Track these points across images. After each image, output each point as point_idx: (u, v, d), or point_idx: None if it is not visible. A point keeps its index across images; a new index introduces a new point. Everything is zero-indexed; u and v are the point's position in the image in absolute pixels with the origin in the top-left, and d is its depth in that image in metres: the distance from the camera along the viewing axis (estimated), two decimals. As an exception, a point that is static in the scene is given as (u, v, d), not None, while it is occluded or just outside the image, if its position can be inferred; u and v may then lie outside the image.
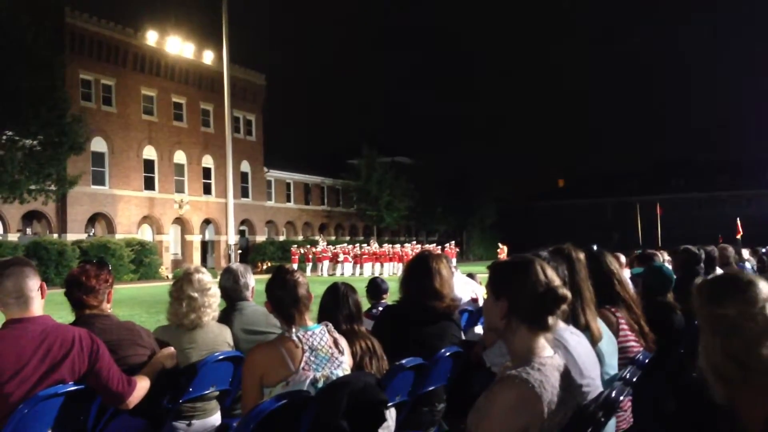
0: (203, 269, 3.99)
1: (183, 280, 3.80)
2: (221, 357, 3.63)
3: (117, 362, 3.04)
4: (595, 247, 3.90)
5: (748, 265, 11.72)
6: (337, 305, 3.67)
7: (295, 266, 3.54)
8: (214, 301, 3.81)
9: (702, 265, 6.03)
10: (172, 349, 3.48)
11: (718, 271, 7.17)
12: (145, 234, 42.04)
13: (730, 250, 9.15)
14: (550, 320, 2.10)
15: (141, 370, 3.24)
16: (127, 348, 3.32)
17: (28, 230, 37.42)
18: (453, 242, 46.68)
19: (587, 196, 79.71)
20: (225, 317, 4.12)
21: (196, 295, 3.74)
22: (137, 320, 3.73)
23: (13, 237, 34.08)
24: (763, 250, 15.27)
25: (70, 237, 35.20)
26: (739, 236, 38.20)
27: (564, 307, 2.10)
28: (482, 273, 5.82)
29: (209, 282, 3.84)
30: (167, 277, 35.53)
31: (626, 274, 7.06)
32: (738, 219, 41.74)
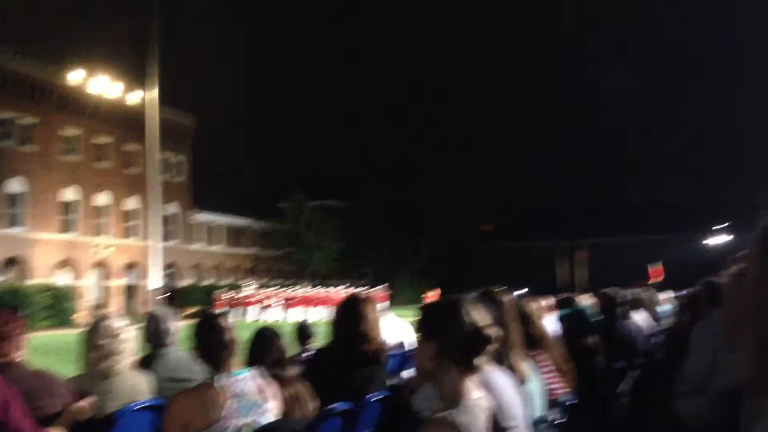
0: (112, 315, 3.85)
1: (92, 329, 3.68)
2: (140, 406, 3.50)
3: (29, 413, 2.88)
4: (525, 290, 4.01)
5: (668, 306, 12.14)
6: (263, 350, 3.63)
7: (220, 311, 3.46)
8: (127, 346, 3.68)
9: (625, 307, 6.22)
10: (92, 398, 3.34)
11: (638, 313, 7.41)
12: (63, 278, 40.37)
13: (652, 292, 9.52)
14: (478, 361, 2.12)
15: (55, 421, 3.09)
16: (40, 398, 3.16)
17: (-64, 274, 35.44)
18: (383, 286, 46.72)
19: (517, 239, 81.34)
20: (147, 363, 4.00)
21: (106, 342, 3.60)
22: (51, 369, 3.55)
23: None
24: (683, 293, 15.81)
25: (-19, 282, 33.50)
26: (654, 280, 39.55)
27: (491, 347, 2.13)
28: (413, 317, 5.81)
29: (119, 328, 3.70)
30: (82, 324, 34.06)
31: (552, 317, 7.22)
32: (659, 262, 43.28)
